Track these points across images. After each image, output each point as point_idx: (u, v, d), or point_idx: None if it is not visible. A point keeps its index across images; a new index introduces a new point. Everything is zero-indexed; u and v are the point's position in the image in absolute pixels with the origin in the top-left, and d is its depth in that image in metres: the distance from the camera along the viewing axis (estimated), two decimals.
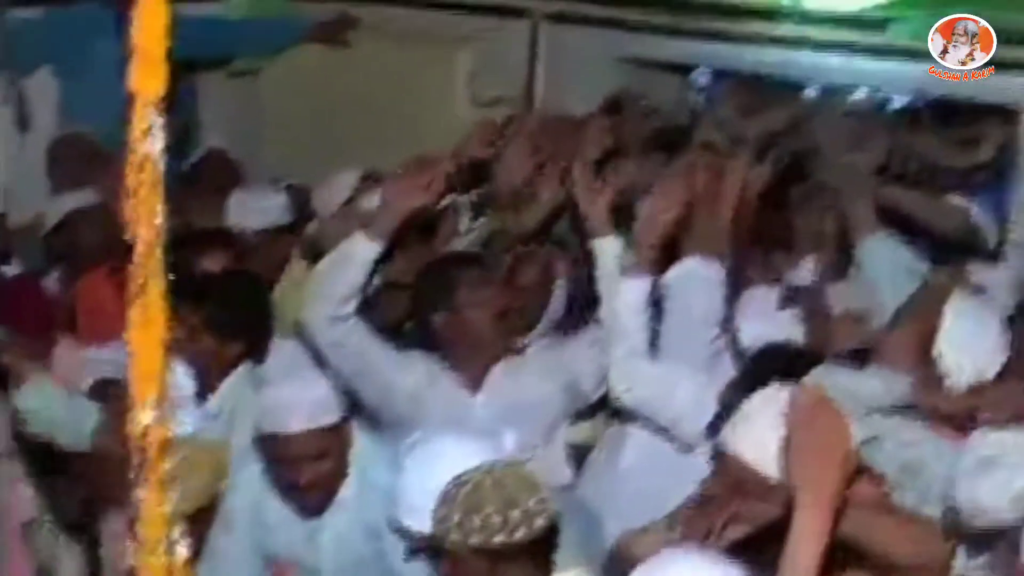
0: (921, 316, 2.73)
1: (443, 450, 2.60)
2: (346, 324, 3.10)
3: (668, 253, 3.02)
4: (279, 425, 2.84)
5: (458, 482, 2.37)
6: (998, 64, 3.59)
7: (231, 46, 4.93)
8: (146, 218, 1.40)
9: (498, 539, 2.29)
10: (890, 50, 3.83)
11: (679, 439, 2.89)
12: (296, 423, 2.82)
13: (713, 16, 4.09)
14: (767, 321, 2.97)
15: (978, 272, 3.34)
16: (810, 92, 4.30)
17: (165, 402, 1.43)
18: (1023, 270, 3.38)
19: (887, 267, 3.26)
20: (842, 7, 3.90)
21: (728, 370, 2.93)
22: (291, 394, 2.86)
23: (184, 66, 4.51)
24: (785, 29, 3.98)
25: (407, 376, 3.15)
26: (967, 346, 2.62)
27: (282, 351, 3.34)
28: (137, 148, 1.40)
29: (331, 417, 2.88)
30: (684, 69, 4.55)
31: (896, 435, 2.49)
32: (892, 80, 3.98)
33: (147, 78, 1.38)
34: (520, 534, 2.29)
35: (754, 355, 2.90)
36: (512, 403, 3.14)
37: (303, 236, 3.83)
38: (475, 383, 3.16)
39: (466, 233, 3.64)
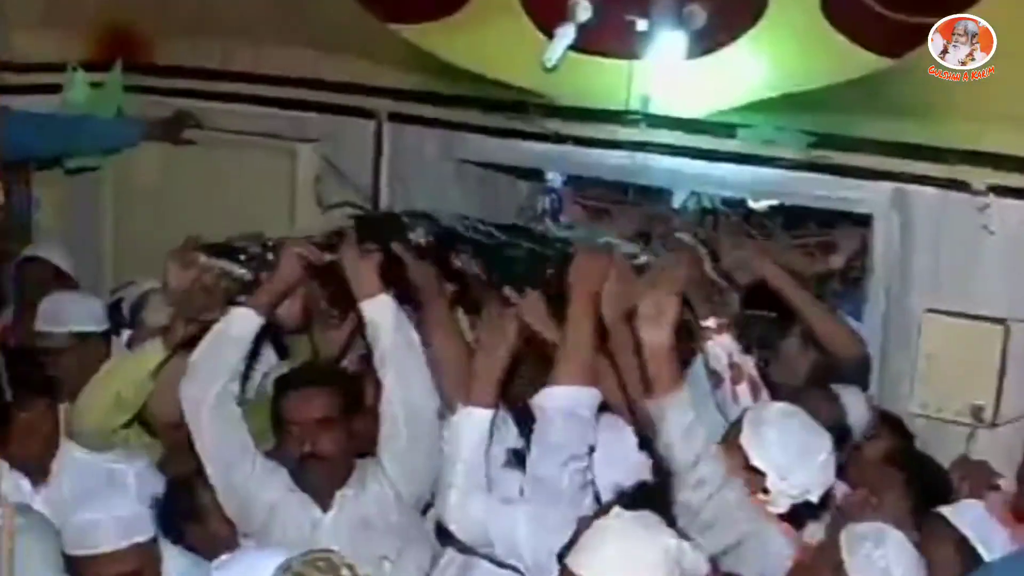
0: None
1: (253, 562, 2.62)
2: (229, 408, 3.14)
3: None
4: (89, 545, 2.91)
5: None
6: (850, 170, 3.77)
7: (67, 143, 4.90)
8: None
9: None
10: (741, 155, 3.93)
11: (525, 571, 2.89)
12: (107, 542, 2.91)
13: (559, 119, 4.16)
14: (621, 468, 3.00)
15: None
16: (662, 197, 4.40)
17: None
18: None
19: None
20: (688, 112, 3.99)
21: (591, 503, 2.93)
22: (101, 514, 2.94)
23: (16, 164, 4.72)
24: (634, 133, 4.05)
25: (269, 489, 3.17)
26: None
27: (77, 466, 3.36)
28: None
29: (143, 535, 2.97)
30: (538, 173, 4.60)
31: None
32: (744, 185, 4.04)
33: None
34: None
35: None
36: (360, 522, 3.17)
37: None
38: (324, 503, 3.20)
39: None
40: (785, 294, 3.50)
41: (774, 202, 4.24)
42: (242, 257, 3.39)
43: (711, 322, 3.27)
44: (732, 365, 3.24)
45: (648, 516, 2.47)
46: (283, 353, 3.70)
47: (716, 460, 2.83)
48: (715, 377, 3.28)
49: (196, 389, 3.15)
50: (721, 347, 3.27)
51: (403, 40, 4.31)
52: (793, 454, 2.91)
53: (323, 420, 3.12)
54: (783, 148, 3.87)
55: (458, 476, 2.89)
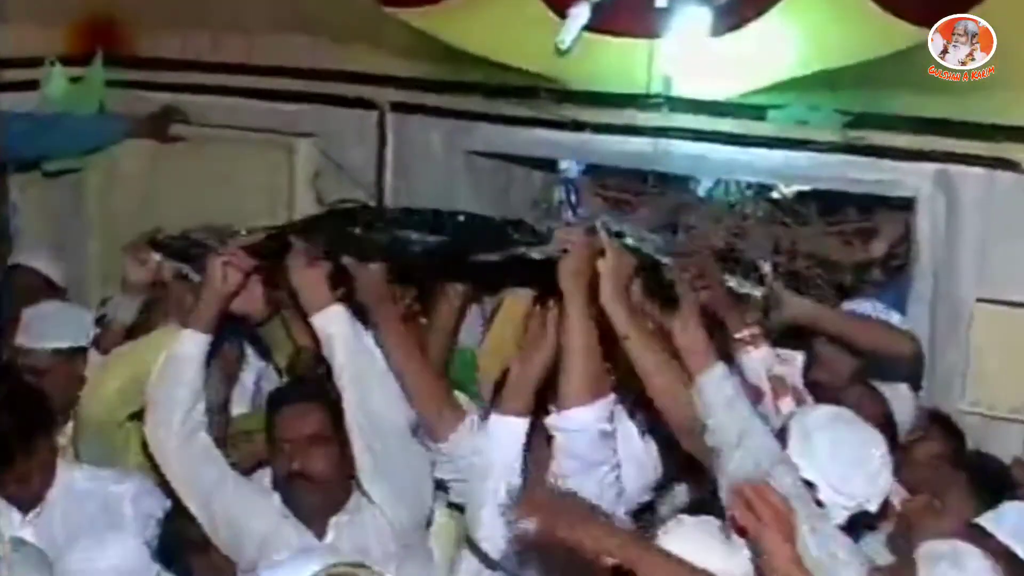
0: None
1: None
2: (197, 439, 3.08)
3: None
4: None
5: None
6: (889, 151, 3.67)
7: (45, 143, 4.78)
8: None
9: None
10: (771, 139, 3.82)
11: None
12: None
13: (574, 105, 4.05)
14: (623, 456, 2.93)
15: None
16: (688, 185, 4.31)
17: None
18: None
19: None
20: (713, 94, 3.88)
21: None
22: (96, 559, 2.88)
23: None
24: (656, 118, 3.94)
25: (258, 517, 3.10)
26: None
27: (71, 495, 3.26)
28: None
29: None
30: (551, 163, 4.51)
31: None
32: (775, 170, 3.94)
33: None
34: None
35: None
36: (358, 551, 3.00)
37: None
38: (318, 530, 3.09)
39: None
40: (820, 323, 3.33)
41: (808, 188, 4.12)
42: (196, 252, 3.31)
43: (744, 333, 3.14)
44: (772, 378, 3.11)
45: (711, 522, 2.44)
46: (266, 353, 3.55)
47: (767, 436, 2.74)
48: (755, 393, 3.12)
49: (156, 425, 3.11)
50: (758, 360, 3.15)
51: (405, 24, 4.18)
52: (846, 462, 2.78)
53: (314, 437, 3.04)
54: (817, 130, 3.77)
55: (488, 494, 2.78)
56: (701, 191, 4.32)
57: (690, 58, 3.88)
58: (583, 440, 2.78)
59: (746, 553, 2.37)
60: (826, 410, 2.91)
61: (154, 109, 4.77)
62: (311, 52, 4.48)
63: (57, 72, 4.84)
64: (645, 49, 3.91)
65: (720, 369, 2.77)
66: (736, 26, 3.80)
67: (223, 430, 3.29)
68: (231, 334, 3.34)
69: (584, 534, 2.37)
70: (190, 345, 3.07)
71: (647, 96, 3.94)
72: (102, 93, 4.86)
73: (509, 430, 2.84)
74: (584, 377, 2.79)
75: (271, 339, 3.46)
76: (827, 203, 4.09)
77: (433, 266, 3.17)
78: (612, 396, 2.84)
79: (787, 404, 3.10)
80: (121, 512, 3.27)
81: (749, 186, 4.28)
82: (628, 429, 3.02)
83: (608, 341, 2.84)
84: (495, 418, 2.85)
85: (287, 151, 4.52)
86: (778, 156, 3.83)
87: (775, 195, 4.25)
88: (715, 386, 2.74)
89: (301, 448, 3.02)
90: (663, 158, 3.99)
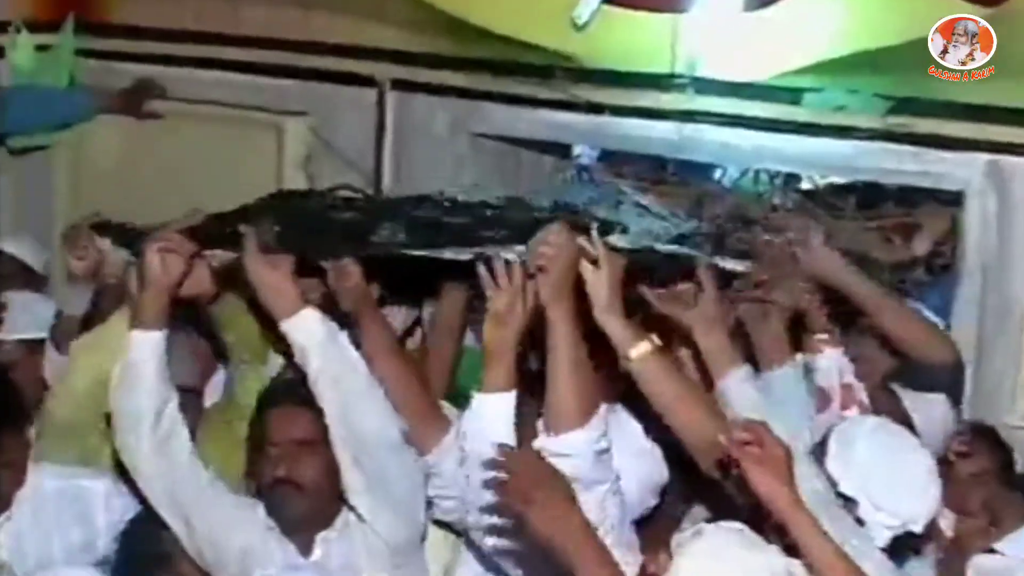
0: None
1: None
2: (172, 446, 2.97)
3: None
4: None
5: None
6: (935, 140, 3.59)
7: (9, 119, 4.65)
8: None
9: None
10: (807, 125, 3.71)
11: None
12: None
13: (591, 85, 3.92)
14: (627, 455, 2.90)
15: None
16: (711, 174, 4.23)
17: None
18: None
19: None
20: (744, 76, 3.75)
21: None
22: None
23: None
24: (681, 101, 3.81)
25: (240, 530, 3.01)
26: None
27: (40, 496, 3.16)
28: None
29: None
30: (563, 148, 4.39)
31: None
32: (811, 159, 3.82)
33: None
34: None
35: None
36: (347, 569, 3.01)
37: None
38: (305, 547, 3.01)
39: None
40: (850, 290, 3.20)
41: (846, 180, 4.05)
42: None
43: (823, 335, 3.04)
44: (843, 386, 2.99)
45: (746, 532, 2.37)
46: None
47: (794, 440, 2.64)
48: (822, 397, 3.02)
49: (125, 434, 3.00)
50: (832, 364, 3.03)
51: None
52: (889, 476, 2.70)
53: (304, 442, 2.93)
54: (856, 116, 3.63)
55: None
56: (727, 181, 4.23)
57: (718, 35, 3.75)
58: (578, 463, 2.67)
59: (775, 551, 2.34)
60: (871, 421, 2.81)
61: (129, 82, 4.66)
62: (304, 22, 4.37)
63: (23, 40, 4.72)
64: (669, 24, 3.81)
65: (744, 371, 2.77)
66: (770, 0, 3.67)
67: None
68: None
69: (553, 527, 2.38)
70: (142, 348, 2.94)
71: (671, 76, 3.83)
72: (72, 64, 4.75)
73: (495, 409, 2.73)
74: (574, 397, 2.69)
75: (220, 317, 3.30)
76: (866, 196, 4.00)
77: (395, 264, 2.99)
78: (604, 407, 2.72)
79: (853, 415, 3.00)
80: (93, 514, 3.19)
81: (778, 176, 4.16)
82: (631, 427, 2.96)
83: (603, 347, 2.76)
84: (478, 399, 2.74)
85: (276, 131, 4.40)
86: (813, 144, 3.71)
87: (808, 186, 4.15)
88: (738, 389, 2.74)
89: (289, 453, 2.92)
90: (687, 144, 3.87)
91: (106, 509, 3.19)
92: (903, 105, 3.57)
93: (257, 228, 2.93)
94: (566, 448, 2.68)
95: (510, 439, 2.70)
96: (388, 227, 2.91)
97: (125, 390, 2.97)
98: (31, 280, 4.20)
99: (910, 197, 3.96)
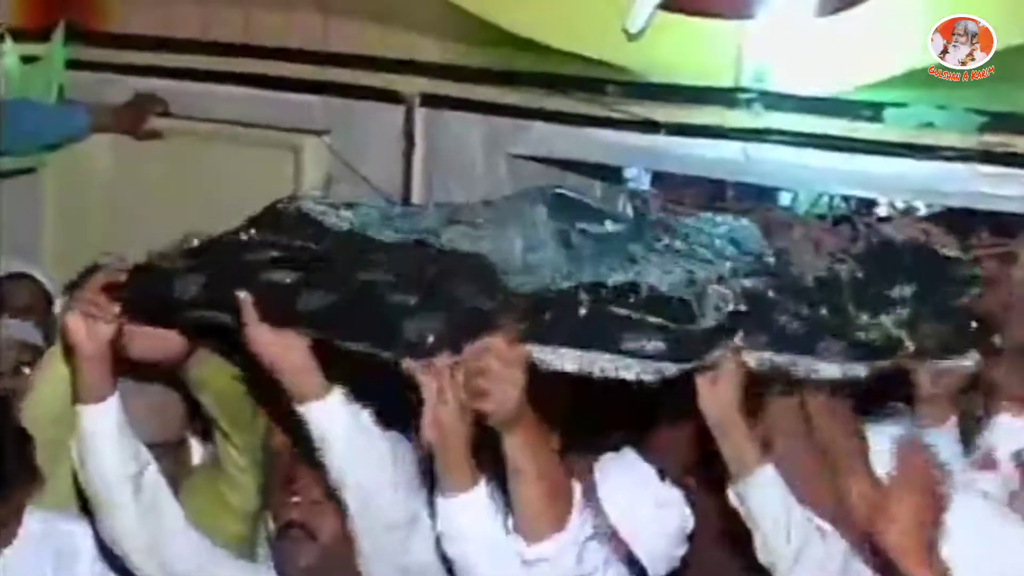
0: None
1: None
2: (159, 515, 2.83)
3: None
4: None
5: None
6: None
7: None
8: None
9: None
10: (889, 144, 3.57)
11: None
12: None
13: (646, 101, 3.79)
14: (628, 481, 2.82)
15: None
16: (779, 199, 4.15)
17: None
18: None
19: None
20: (818, 90, 3.60)
21: None
22: None
23: None
24: (747, 118, 3.68)
25: None
26: None
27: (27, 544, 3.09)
28: None
29: None
30: (615, 171, 4.27)
31: None
32: (893, 183, 3.67)
33: None
34: None
35: None
36: None
37: None
38: None
39: None
40: None
41: (932, 205, 3.93)
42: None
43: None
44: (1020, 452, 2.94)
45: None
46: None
47: (834, 542, 2.55)
48: (987, 462, 2.96)
49: (99, 507, 2.86)
50: (1016, 430, 2.96)
51: (439, 0, 3.93)
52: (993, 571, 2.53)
53: (330, 494, 2.81)
54: (945, 133, 3.50)
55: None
56: (798, 207, 4.12)
57: (789, 44, 3.62)
58: (564, 562, 2.60)
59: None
60: (980, 502, 2.63)
61: (127, 97, 4.56)
62: (324, 32, 4.28)
63: (8, 49, 4.61)
64: (734, 32, 3.65)
65: (770, 471, 2.55)
66: (848, 4, 3.55)
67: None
68: None
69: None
70: (94, 420, 2.80)
71: (735, 90, 3.69)
72: (62, 76, 4.64)
73: (463, 507, 2.58)
74: (546, 506, 2.56)
75: (196, 378, 3.06)
76: (956, 223, 3.67)
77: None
78: (579, 500, 2.60)
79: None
80: (76, 558, 3.14)
81: (852, 200, 4.03)
82: (642, 471, 2.82)
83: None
84: (442, 503, 2.59)
85: (292, 151, 4.31)
86: (897, 165, 3.57)
87: (885, 212, 4.01)
88: (764, 492, 2.54)
89: (310, 505, 2.84)
90: (754, 167, 3.73)
91: (92, 548, 3.13)
92: (999, 121, 3.45)
93: (180, 284, 2.64)
94: (544, 554, 2.60)
95: (498, 530, 2.62)
96: (318, 295, 2.54)
97: (90, 469, 2.84)
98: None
99: (1007, 225, 3.78)
